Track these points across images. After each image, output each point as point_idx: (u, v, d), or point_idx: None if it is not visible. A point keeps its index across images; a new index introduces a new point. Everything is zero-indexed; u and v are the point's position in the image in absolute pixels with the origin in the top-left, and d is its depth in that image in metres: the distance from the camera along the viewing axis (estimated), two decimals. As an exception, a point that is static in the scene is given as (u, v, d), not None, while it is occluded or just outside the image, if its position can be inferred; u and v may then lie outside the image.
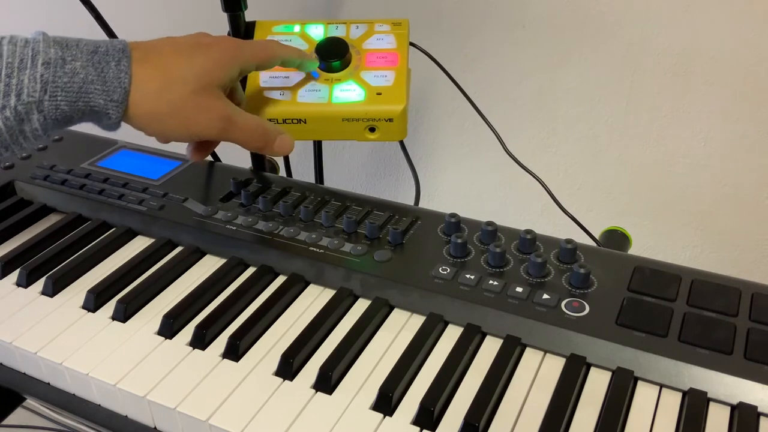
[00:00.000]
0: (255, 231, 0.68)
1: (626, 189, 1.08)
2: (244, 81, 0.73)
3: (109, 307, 0.62)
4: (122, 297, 0.63)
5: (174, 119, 0.61)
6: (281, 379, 0.54)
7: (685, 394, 0.52)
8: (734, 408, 0.50)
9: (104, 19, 0.86)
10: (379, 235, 0.66)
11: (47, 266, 0.67)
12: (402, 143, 0.83)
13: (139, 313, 0.62)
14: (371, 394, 0.52)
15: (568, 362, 0.54)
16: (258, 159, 0.89)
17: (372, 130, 0.71)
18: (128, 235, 0.72)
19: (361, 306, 0.61)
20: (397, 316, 0.60)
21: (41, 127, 0.56)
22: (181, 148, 0.83)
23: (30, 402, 1.07)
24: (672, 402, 0.52)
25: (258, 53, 0.67)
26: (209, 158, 0.84)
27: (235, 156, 0.86)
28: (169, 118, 0.61)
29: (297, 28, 0.76)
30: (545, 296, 0.58)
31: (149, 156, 0.81)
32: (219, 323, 0.60)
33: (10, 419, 0.77)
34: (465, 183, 1.21)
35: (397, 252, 0.64)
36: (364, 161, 1.29)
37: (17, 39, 0.55)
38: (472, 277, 0.60)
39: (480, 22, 1.06)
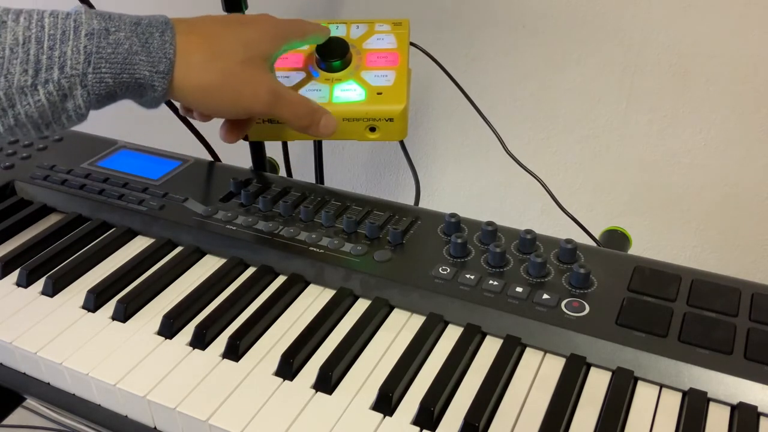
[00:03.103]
0: (255, 231, 0.68)
1: (626, 189, 1.08)
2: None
3: (109, 307, 0.62)
4: (122, 297, 0.62)
5: (222, 92, 0.60)
6: (281, 379, 0.54)
7: (685, 394, 0.52)
8: (734, 408, 0.50)
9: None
10: (379, 235, 0.66)
11: (47, 266, 0.67)
12: (402, 143, 0.83)
13: (139, 313, 0.62)
14: (371, 394, 0.52)
15: (568, 362, 0.54)
16: (258, 159, 0.89)
17: (372, 129, 0.71)
18: (128, 235, 0.72)
19: (361, 306, 0.61)
20: (397, 316, 0.60)
21: (84, 103, 0.54)
22: (181, 147, 0.84)
23: (30, 402, 1.07)
24: (672, 402, 0.52)
25: (297, 29, 0.67)
26: (209, 158, 0.84)
27: (235, 156, 0.86)
28: (217, 90, 0.59)
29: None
30: (545, 296, 0.58)
31: (149, 156, 0.81)
32: (219, 323, 0.60)
33: (10, 419, 0.78)
34: (465, 183, 1.21)
35: (397, 252, 0.64)
36: (364, 161, 1.29)
37: (58, 12, 0.54)
38: (472, 277, 0.60)
39: (480, 22, 1.06)
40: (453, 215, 0.66)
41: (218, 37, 0.60)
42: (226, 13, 0.80)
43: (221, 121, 0.67)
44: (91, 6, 0.81)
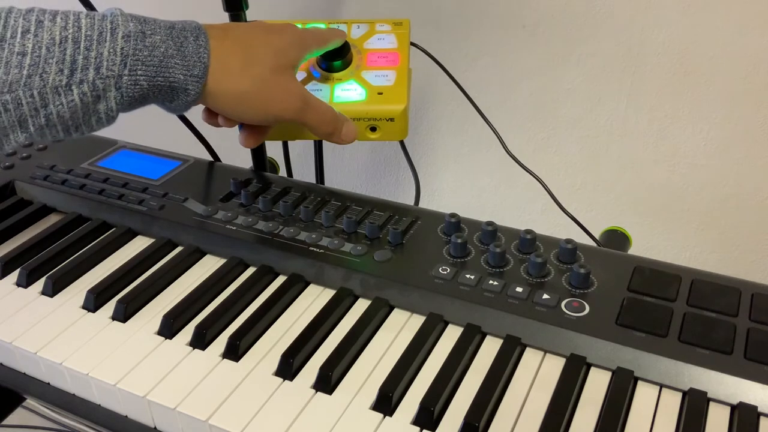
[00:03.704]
0: (255, 231, 0.68)
1: (626, 189, 1.08)
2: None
3: (109, 307, 0.62)
4: (122, 297, 0.62)
5: (255, 98, 0.60)
6: (281, 379, 0.54)
7: (685, 394, 0.52)
8: (734, 408, 0.50)
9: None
10: (379, 235, 0.66)
11: (47, 266, 0.67)
12: (402, 143, 0.83)
13: (139, 313, 0.62)
14: (371, 394, 0.52)
15: (568, 362, 0.54)
16: (258, 159, 0.89)
17: (373, 129, 0.71)
18: (128, 235, 0.72)
19: (361, 306, 0.61)
20: (397, 316, 0.60)
21: (116, 105, 0.55)
22: (181, 147, 0.84)
23: (30, 402, 1.07)
24: (672, 402, 0.52)
25: (318, 37, 0.68)
26: (209, 158, 0.84)
27: (235, 156, 0.86)
28: (252, 96, 0.60)
29: (297, 28, 0.76)
30: (545, 296, 0.58)
31: (149, 156, 0.81)
32: (219, 323, 0.60)
33: (10, 419, 0.78)
34: (465, 183, 1.21)
35: (397, 252, 0.64)
36: (364, 161, 1.29)
37: (94, 13, 0.54)
38: (472, 277, 0.60)
39: (480, 22, 1.06)
40: (453, 215, 0.66)
41: (251, 44, 0.61)
42: (226, 7, 0.80)
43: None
44: (91, 7, 0.81)
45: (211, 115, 0.66)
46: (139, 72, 0.54)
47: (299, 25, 0.73)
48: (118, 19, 0.54)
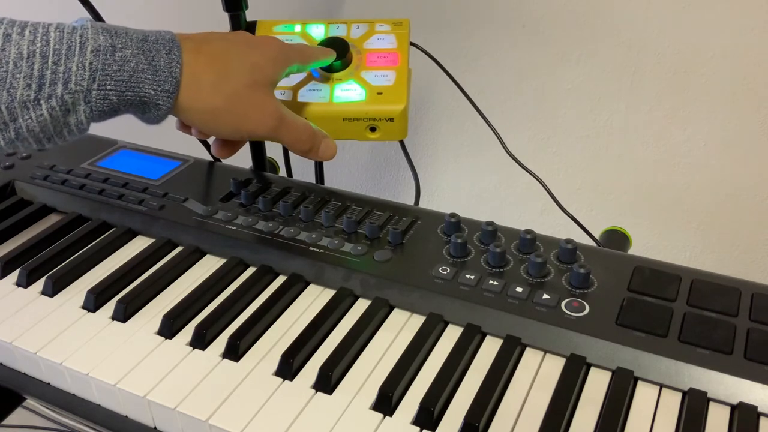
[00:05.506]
0: (255, 231, 0.68)
1: (626, 189, 1.08)
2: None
3: (109, 307, 0.62)
4: (122, 297, 0.62)
5: (228, 115, 0.60)
6: (281, 379, 0.54)
7: (685, 394, 0.52)
8: (734, 408, 0.50)
9: (104, 19, 0.86)
10: (379, 235, 0.66)
11: (47, 266, 0.67)
12: (402, 143, 0.83)
13: (139, 313, 0.62)
14: (371, 394, 0.52)
15: (568, 362, 0.54)
16: (258, 159, 0.89)
17: (373, 129, 0.71)
18: (128, 235, 0.72)
19: (361, 306, 0.61)
20: (397, 316, 0.60)
21: (86, 118, 0.54)
22: (181, 147, 0.84)
23: (30, 402, 1.07)
24: (672, 402, 0.52)
25: (300, 55, 0.67)
26: (209, 158, 0.84)
27: (235, 156, 0.86)
28: (224, 113, 0.59)
29: (298, 28, 0.76)
30: (545, 296, 0.58)
31: (149, 156, 0.81)
32: (219, 323, 0.60)
33: (10, 419, 0.77)
34: (465, 183, 1.21)
35: (397, 252, 0.64)
36: (364, 161, 1.29)
37: (64, 26, 0.53)
38: (472, 277, 0.60)
39: (480, 22, 1.06)
40: (453, 215, 0.66)
41: (225, 58, 0.60)
42: (226, 8, 0.79)
43: None
44: (91, 7, 0.81)
45: (185, 126, 0.66)
46: (108, 87, 0.54)
47: (294, 28, 0.73)
48: (88, 32, 0.53)
